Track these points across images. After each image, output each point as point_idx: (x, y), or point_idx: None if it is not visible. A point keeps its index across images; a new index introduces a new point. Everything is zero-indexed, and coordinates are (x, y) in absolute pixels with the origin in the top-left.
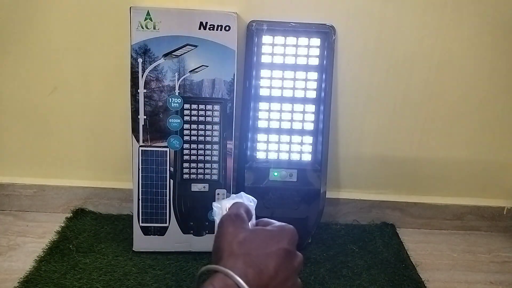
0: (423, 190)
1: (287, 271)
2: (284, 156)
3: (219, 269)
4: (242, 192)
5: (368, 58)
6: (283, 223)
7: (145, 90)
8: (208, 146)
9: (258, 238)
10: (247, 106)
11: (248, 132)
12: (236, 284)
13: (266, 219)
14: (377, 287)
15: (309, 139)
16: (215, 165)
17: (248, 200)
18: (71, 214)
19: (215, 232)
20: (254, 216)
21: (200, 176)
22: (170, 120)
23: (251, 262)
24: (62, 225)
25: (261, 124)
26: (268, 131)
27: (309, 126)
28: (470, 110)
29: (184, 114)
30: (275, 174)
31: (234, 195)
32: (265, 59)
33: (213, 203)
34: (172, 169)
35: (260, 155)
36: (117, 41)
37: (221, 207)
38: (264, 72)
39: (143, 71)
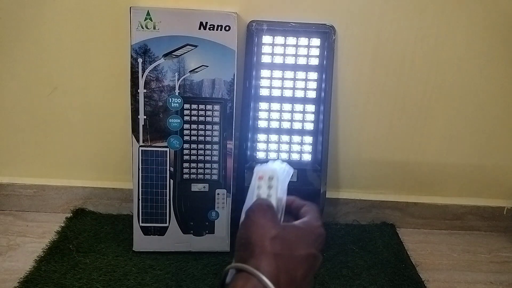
0: (423, 190)
1: (310, 275)
2: (284, 156)
3: (254, 273)
4: (279, 160)
5: (368, 58)
6: (313, 218)
7: (145, 90)
8: (208, 146)
9: (289, 237)
10: (247, 106)
11: (248, 132)
12: None
13: (297, 200)
14: (377, 287)
15: (309, 139)
16: (215, 165)
17: (283, 173)
18: (71, 214)
19: (242, 218)
20: (285, 193)
21: (200, 176)
22: (170, 120)
23: (283, 266)
24: (62, 225)
25: (261, 124)
26: (268, 131)
27: (309, 126)
28: (470, 110)
29: (184, 114)
30: None
31: (271, 161)
32: (265, 59)
33: (256, 168)
34: (172, 169)
35: (260, 155)
36: (117, 41)
37: (255, 176)
38: (264, 72)
39: (143, 71)
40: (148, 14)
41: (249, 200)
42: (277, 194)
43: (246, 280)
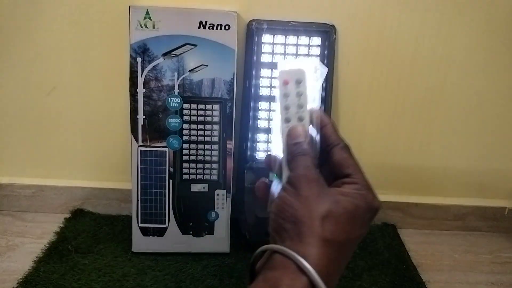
0: (424, 190)
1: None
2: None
3: (301, 263)
4: (314, 58)
5: (369, 57)
6: (367, 186)
7: (144, 90)
8: (207, 146)
9: (344, 216)
10: (247, 106)
11: (248, 132)
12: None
13: (344, 154)
14: None
15: None
16: (214, 165)
17: (314, 73)
18: (70, 215)
19: (283, 183)
20: (319, 101)
21: (200, 176)
22: (169, 120)
23: (334, 255)
24: (61, 225)
25: (261, 124)
26: (268, 131)
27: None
28: (471, 110)
29: (184, 114)
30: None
31: (302, 58)
32: (265, 58)
33: (280, 68)
34: (171, 169)
35: (260, 155)
36: (116, 40)
37: (280, 81)
38: (264, 72)
39: (142, 70)
40: (147, 13)
41: (280, 117)
42: (307, 102)
43: (284, 270)
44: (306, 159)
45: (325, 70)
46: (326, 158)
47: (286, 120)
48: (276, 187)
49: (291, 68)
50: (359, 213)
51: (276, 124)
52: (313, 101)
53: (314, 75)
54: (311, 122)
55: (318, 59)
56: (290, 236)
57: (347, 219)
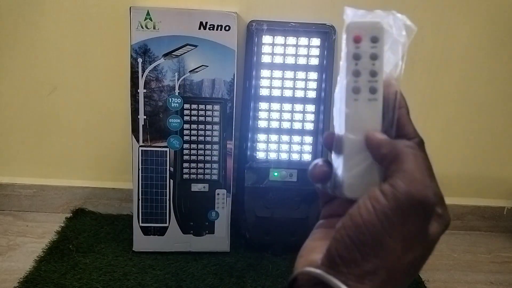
0: None
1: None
2: (284, 156)
3: None
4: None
5: None
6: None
7: (145, 90)
8: (208, 146)
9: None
10: (247, 106)
11: (248, 132)
12: None
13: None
14: None
15: (309, 139)
16: (215, 165)
17: (395, 29)
18: (71, 214)
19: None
20: (402, 69)
21: (200, 176)
22: (170, 120)
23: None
24: (62, 225)
25: (261, 124)
26: (268, 131)
27: (309, 126)
28: (471, 110)
29: (184, 114)
30: (275, 174)
31: (380, 12)
32: (265, 59)
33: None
34: (172, 169)
35: (260, 155)
36: (117, 41)
37: (348, 37)
38: (264, 72)
39: (143, 71)
40: (148, 14)
41: (344, 84)
42: (383, 70)
43: None
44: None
45: (414, 28)
46: None
47: (355, 90)
48: (341, 170)
49: (365, 20)
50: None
51: (339, 95)
52: (394, 67)
53: (398, 33)
54: (385, 99)
55: (404, 16)
56: (360, 277)
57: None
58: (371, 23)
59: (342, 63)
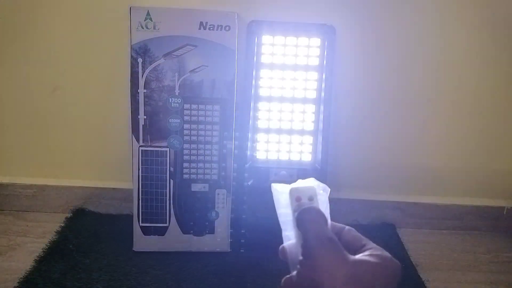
0: (423, 190)
1: None
2: (284, 156)
3: None
4: (312, 178)
5: (368, 58)
6: (380, 249)
7: (145, 90)
8: (208, 146)
9: (364, 275)
10: (247, 106)
11: (248, 132)
12: None
13: (353, 233)
14: None
15: (309, 139)
16: (215, 165)
17: (319, 189)
18: (71, 214)
19: (304, 252)
20: (328, 217)
21: (200, 176)
22: (170, 120)
23: None
24: (62, 225)
25: (261, 124)
26: (268, 131)
27: (309, 126)
28: (470, 110)
29: (184, 114)
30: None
31: (301, 180)
32: (265, 59)
33: (274, 186)
34: (172, 169)
35: (260, 155)
36: (117, 41)
37: (291, 197)
38: (264, 72)
39: (143, 71)
40: (148, 14)
41: (286, 228)
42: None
43: None
44: (322, 231)
45: (328, 189)
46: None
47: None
48: (295, 248)
49: (302, 186)
50: (378, 271)
51: (286, 235)
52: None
53: (324, 194)
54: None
55: (314, 179)
56: None
57: (369, 276)
58: (307, 187)
59: (285, 216)
